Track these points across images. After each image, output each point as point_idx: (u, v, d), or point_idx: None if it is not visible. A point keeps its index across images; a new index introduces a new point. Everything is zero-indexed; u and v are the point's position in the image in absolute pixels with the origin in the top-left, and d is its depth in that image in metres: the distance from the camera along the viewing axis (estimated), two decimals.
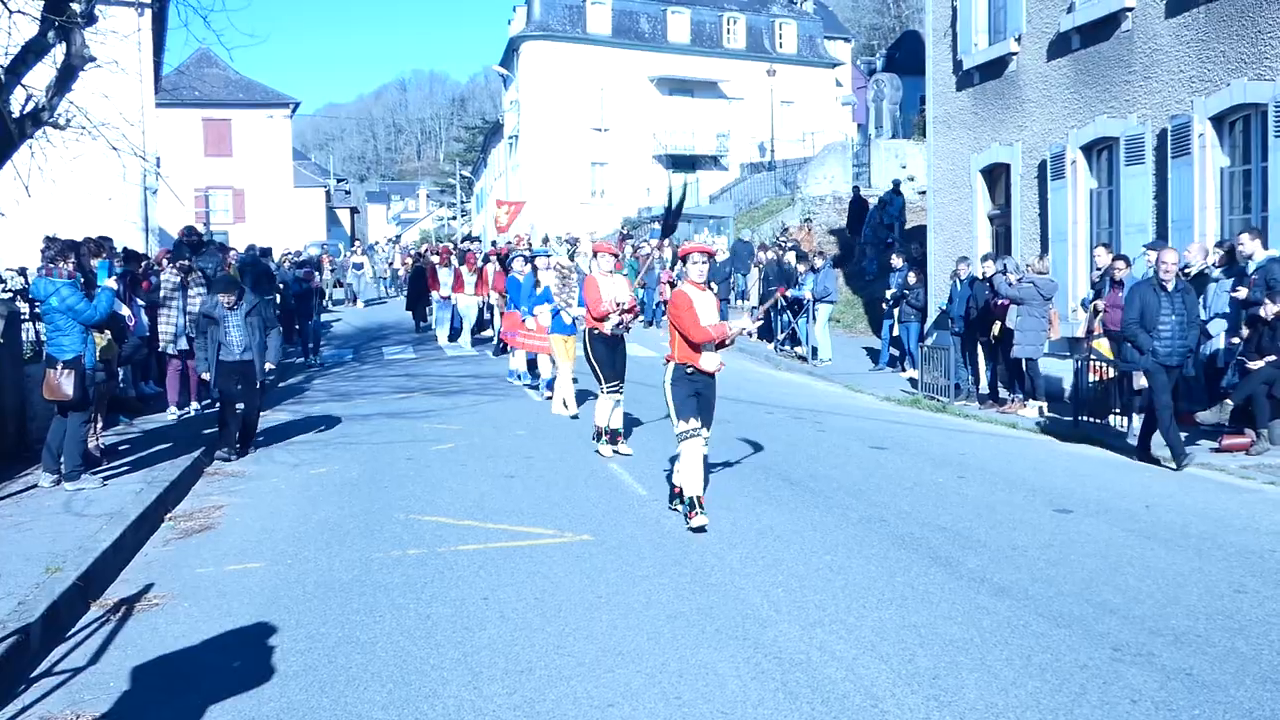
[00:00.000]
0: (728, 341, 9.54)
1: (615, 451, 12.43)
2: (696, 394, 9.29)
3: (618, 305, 12.36)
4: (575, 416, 15.25)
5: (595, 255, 13.15)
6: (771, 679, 5.91)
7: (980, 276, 17.29)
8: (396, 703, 5.69)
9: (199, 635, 6.86)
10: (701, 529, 8.96)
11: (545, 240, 33.17)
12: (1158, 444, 12.10)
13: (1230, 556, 8.19)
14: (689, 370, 9.26)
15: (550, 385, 16.80)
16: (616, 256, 12.40)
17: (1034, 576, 7.68)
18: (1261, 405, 12.12)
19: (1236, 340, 12.73)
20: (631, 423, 13.91)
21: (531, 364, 18.69)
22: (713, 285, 14.90)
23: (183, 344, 15.46)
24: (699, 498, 9.13)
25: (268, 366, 13.09)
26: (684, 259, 9.64)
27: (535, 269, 17.53)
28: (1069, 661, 6.05)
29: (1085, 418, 14.36)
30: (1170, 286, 11.66)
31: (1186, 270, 13.89)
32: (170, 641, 6.78)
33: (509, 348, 19.83)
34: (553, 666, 6.17)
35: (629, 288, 12.97)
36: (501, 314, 22.67)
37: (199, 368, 13.55)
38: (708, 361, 9.25)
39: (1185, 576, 7.61)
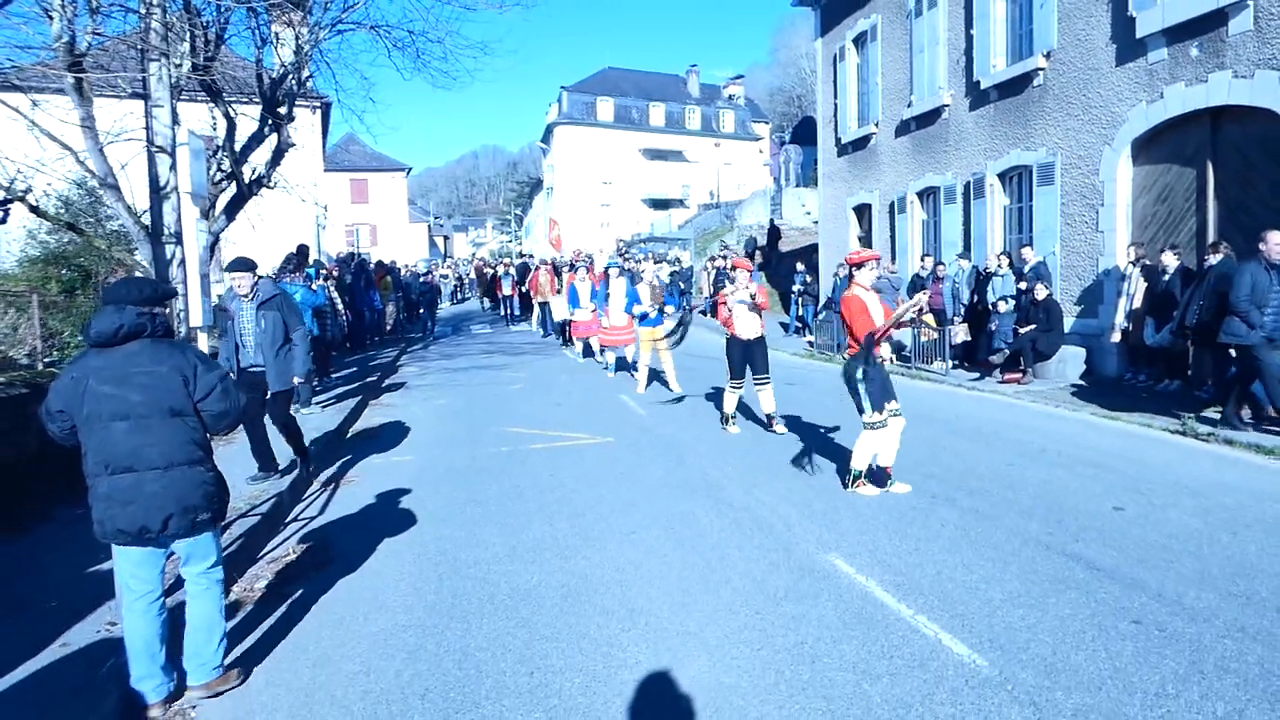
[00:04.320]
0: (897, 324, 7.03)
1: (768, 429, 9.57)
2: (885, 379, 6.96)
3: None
4: (680, 396, 12.07)
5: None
6: (726, 516, 6.38)
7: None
8: (503, 534, 6.17)
9: (378, 498, 7.30)
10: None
11: (620, 253, 31.73)
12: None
13: (1003, 444, 8.60)
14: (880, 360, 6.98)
15: (619, 368, 14.64)
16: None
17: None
18: (1028, 354, 12.59)
19: (1006, 308, 13.17)
20: (623, 366, 14.24)
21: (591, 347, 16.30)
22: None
23: None
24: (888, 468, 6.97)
25: (296, 381, 7.43)
26: (859, 265, 7.02)
27: (608, 277, 14.85)
28: (906, 505, 6.52)
29: (919, 364, 14.82)
30: None
31: (986, 269, 14.32)
32: (362, 501, 7.23)
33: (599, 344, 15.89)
34: (595, 512, 6.63)
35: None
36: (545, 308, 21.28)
37: None
38: (882, 350, 6.99)
39: (978, 457, 8.04)
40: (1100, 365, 12.54)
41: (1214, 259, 10.05)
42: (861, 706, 3.61)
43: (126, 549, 3.80)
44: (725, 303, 9.64)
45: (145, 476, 3.71)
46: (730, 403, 9.78)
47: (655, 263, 19.28)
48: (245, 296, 7.32)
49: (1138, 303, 11.41)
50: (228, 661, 4.09)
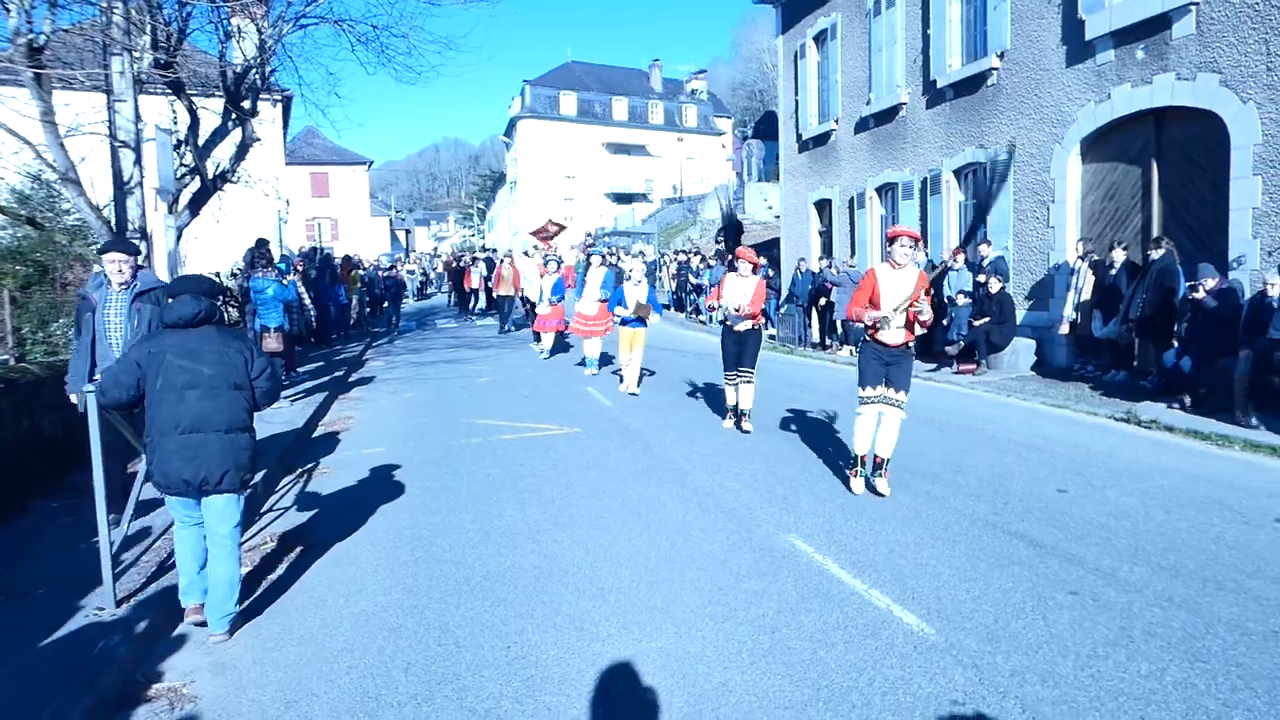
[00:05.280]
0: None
1: (737, 427, 9.28)
2: (885, 364, 6.70)
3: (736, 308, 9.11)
4: (635, 394, 11.71)
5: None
6: (690, 501, 6.65)
7: (815, 270, 18.11)
8: (477, 520, 6.38)
9: (352, 488, 7.46)
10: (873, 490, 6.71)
11: (584, 247, 31.36)
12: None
13: (956, 432, 8.97)
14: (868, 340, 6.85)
15: (598, 364, 13.85)
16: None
17: (846, 447, 8.43)
18: (982, 346, 13.02)
19: (964, 301, 13.57)
20: (606, 361, 14.42)
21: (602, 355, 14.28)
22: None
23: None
24: (863, 457, 6.78)
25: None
26: (891, 240, 6.74)
27: (588, 264, 14.21)
28: (866, 490, 6.88)
29: None
30: None
31: (943, 263, 14.69)
32: (336, 492, 7.37)
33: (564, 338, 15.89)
34: (565, 499, 6.86)
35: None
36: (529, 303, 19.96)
37: (69, 386, 6.15)
38: (889, 336, 6.64)
39: (932, 443, 8.36)
40: (1051, 356, 13.01)
41: (1156, 254, 10.53)
42: (817, 670, 3.90)
43: (178, 498, 4.52)
44: (720, 290, 9.38)
45: (210, 437, 4.43)
46: (731, 396, 9.41)
47: (630, 256, 19.05)
48: (120, 285, 5.96)
49: (1086, 296, 11.89)
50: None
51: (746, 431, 9.16)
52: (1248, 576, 4.81)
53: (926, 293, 6.62)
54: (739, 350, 9.22)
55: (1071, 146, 12.75)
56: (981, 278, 13.49)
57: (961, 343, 13.27)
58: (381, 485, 7.48)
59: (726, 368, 9.35)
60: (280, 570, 5.52)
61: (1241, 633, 4.12)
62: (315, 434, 10.10)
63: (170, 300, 4.64)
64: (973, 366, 12.98)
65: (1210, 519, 5.87)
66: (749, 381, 9.24)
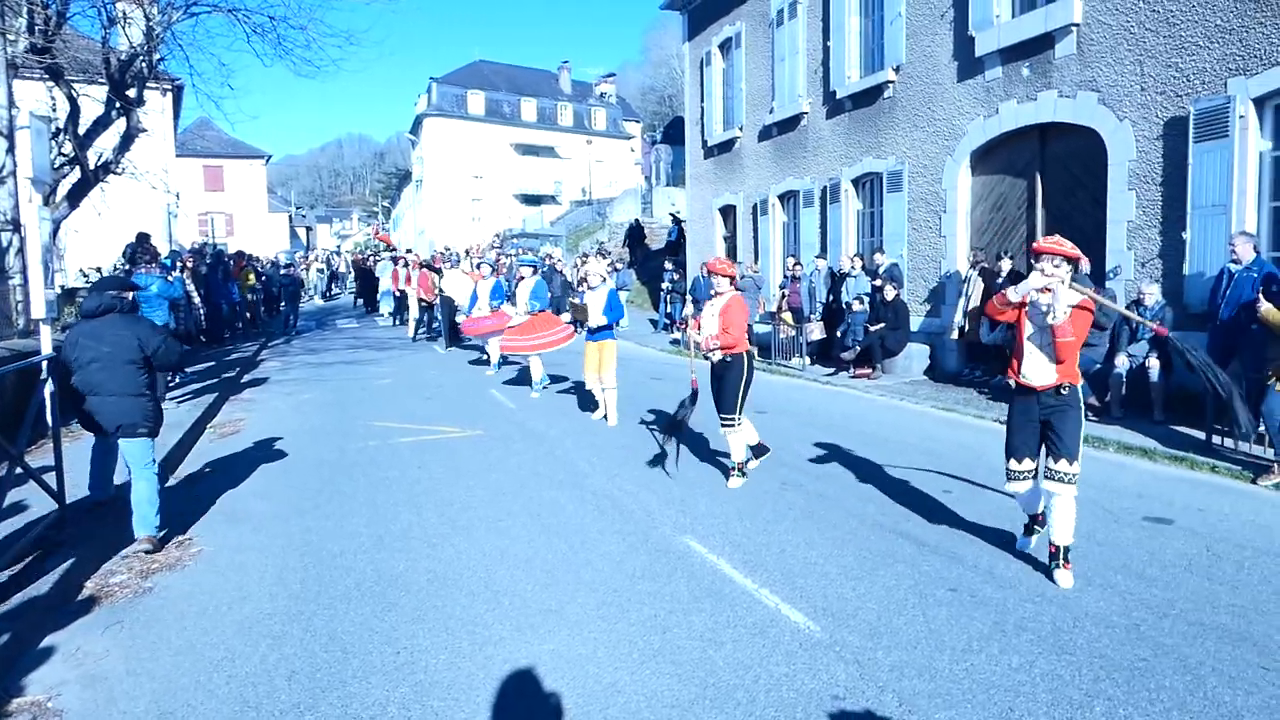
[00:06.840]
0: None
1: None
2: (1038, 421, 5.04)
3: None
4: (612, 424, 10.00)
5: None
6: (590, 505, 6.67)
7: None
8: (371, 524, 6.27)
9: (240, 491, 7.25)
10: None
11: (493, 247, 30.31)
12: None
13: (850, 435, 9.18)
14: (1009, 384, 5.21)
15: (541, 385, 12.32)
16: None
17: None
18: (877, 351, 13.40)
19: (860, 307, 13.94)
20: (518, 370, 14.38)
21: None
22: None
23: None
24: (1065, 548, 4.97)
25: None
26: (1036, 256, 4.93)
27: (523, 276, 12.94)
28: (758, 490, 6.97)
29: (778, 360, 15.51)
30: None
31: (841, 270, 15.09)
32: (223, 496, 7.13)
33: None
34: (463, 501, 6.79)
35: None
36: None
37: None
38: (1034, 371, 4.92)
39: (827, 446, 8.54)
40: (943, 361, 13.48)
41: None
42: (705, 669, 3.96)
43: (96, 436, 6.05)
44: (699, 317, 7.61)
45: (108, 400, 5.77)
46: (732, 446, 7.37)
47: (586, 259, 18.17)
48: None
49: (975, 303, 12.34)
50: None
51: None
52: (1114, 572, 5.08)
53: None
54: (716, 389, 7.36)
55: (962, 159, 13.24)
56: (878, 283, 13.89)
57: (858, 348, 13.63)
58: (271, 489, 7.28)
59: (718, 409, 7.36)
60: (160, 579, 5.31)
61: (1106, 625, 4.35)
62: (203, 436, 9.75)
63: (85, 296, 6.06)
64: (869, 371, 13.34)
65: (1082, 517, 6.14)
66: (729, 425, 7.22)
